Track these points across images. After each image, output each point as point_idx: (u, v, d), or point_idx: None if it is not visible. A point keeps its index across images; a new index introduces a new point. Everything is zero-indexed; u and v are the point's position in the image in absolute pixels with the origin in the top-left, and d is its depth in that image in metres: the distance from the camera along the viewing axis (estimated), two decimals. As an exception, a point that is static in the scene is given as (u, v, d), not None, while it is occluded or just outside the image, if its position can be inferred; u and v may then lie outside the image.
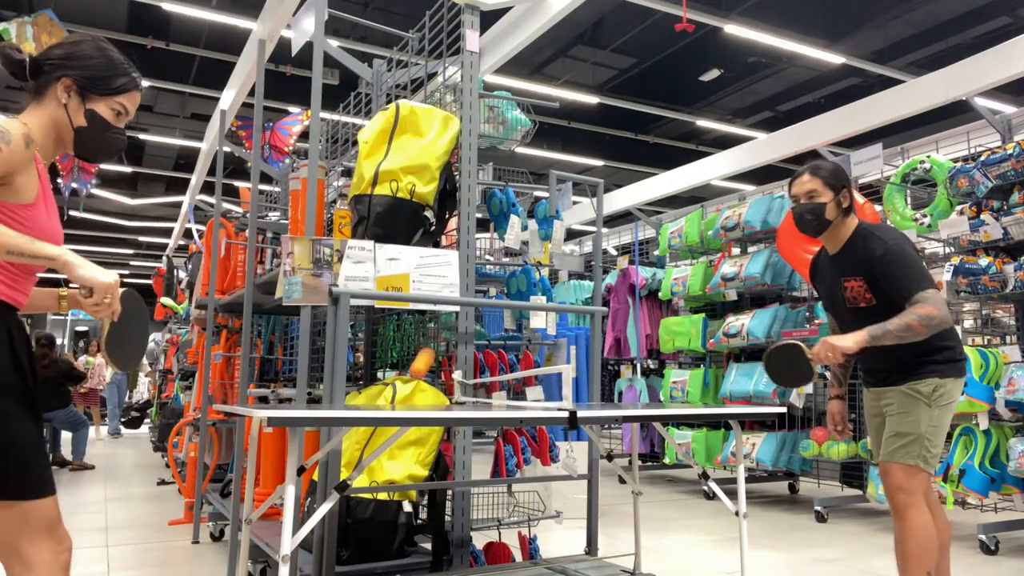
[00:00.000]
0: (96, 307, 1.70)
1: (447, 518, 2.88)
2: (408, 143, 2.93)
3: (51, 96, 1.86)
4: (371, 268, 2.64)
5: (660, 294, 7.05)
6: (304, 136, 5.92)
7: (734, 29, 9.88)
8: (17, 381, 1.75)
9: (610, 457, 2.87)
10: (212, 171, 9.76)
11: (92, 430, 11.29)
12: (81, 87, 1.87)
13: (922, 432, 2.61)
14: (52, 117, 1.86)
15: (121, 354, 1.81)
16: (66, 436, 8.88)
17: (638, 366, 7.32)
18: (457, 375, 2.86)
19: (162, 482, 7.10)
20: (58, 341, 10.51)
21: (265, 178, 6.32)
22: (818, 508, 5.34)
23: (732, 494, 2.48)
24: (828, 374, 3.09)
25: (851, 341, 2.52)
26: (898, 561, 2.66)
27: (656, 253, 7.90)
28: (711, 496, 6.26)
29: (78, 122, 1.87)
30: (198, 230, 8.02)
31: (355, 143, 3.92)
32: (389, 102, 3.19)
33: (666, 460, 7.54)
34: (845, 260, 2.77)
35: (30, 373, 1.79)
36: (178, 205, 15.75)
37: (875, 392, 2.83)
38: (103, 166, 15.94)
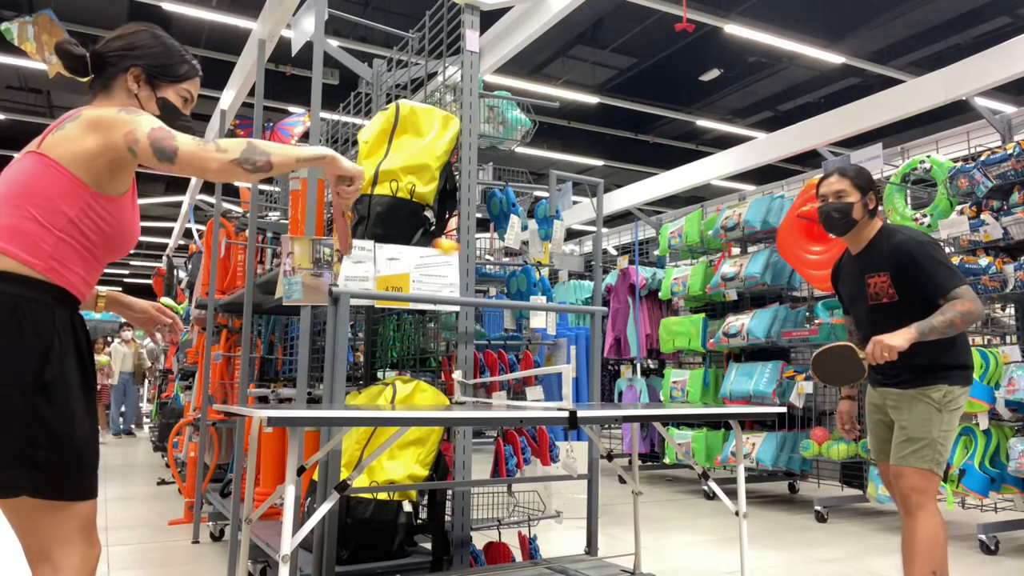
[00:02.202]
0: (355, 193, 1.89)
1: (447, 518, 2.88)
2: (408, 143, 2.93)
3: (119, 87, 1.83)
4: (371, 268, 2.65)
5: (660, 294, 7.05)
6: (305, 136, 5.92)
7: (734, 29, 9.88)
8: (82, 379, 1.72)
9: (610, 457, 2.87)
10: (212, 171, 9.74)
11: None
12: (150, 76, 1.85)
13: (935, 437, 2.66)
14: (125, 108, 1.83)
15: None
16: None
17: (638, 366, 7.32)
18: (457, 375, 2.86)
19: (162, 482, 7.10)
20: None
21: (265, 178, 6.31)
22: (818, 508, 5.34)
23: (732, 494, 2.48)
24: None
25: (902, 339, 2.54)
26: (904, 559, 2.67)
27: (656, 253, 7.90)
28: (711, 496, 6.26)
29: (152, 111, 1.85)
30: (198, 230, 8.02)
31: (355, 143, 3.92)
32: (389, 102, 3.19)
33: (666, 460, 7.54)
34: (869, 258, 2.82)
35: (91, 371, 1.77)
36: (178, 205, 15.75)
37: (881, 391, 2.86)
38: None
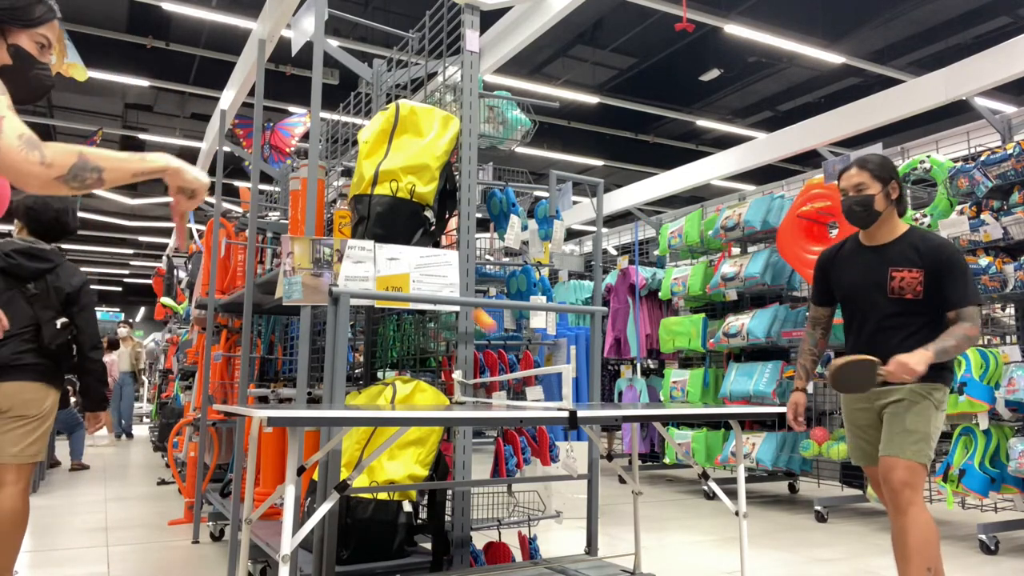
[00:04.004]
0: (194, 205, 1.71)
1: (447, 518, 2.88)
2: (408, 143, 2.93)
3: None
4: (371, 268, 2.64)
5: (660, 294, 7.05)
6: (304, 136, 5.92)
7: (734, 29, 9.88)
8: None
9: (610, 457, 2.87)
10: (212, 171, 9.77)
11: (107, 435, 11.18)
12: (0, 21, 1.71)
13: (930, 432, 2.68)
14: None
15: None
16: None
17: (638, 366, 7.32)
18: (457, 375, 2.86)
19: (162, 482, 7.10)
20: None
21: (265, 178, 6.32)
22: (818, 508, 5.34)
23: (732, 494, 2.48)
24: (796, 367, 3.10)
25: (923, 362, 2.55)
26: (898, 558, 2.66)
27: (656, 253, 7.90)
28: (711, 496, 6.26)
29: (2, 60, 1.72)
30: (198, 230, 8.02)
31: (355, 143, 3.92)
32: (389, 102, 3.19)
33: (666, 460, 7.54)
34: (897, 251, 2.80)
35: None
36: (178, 205, 15.73)
37: (869, 394, 2.82)
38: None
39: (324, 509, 2.01)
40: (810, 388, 5.56)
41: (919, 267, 2.74)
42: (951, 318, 2.70)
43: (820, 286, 3.04)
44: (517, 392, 3.14)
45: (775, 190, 6.79)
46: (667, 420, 2.31)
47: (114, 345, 11.41)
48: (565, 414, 2.07)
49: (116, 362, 11.35)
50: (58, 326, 3.19)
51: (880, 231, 2.84)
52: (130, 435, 12.45)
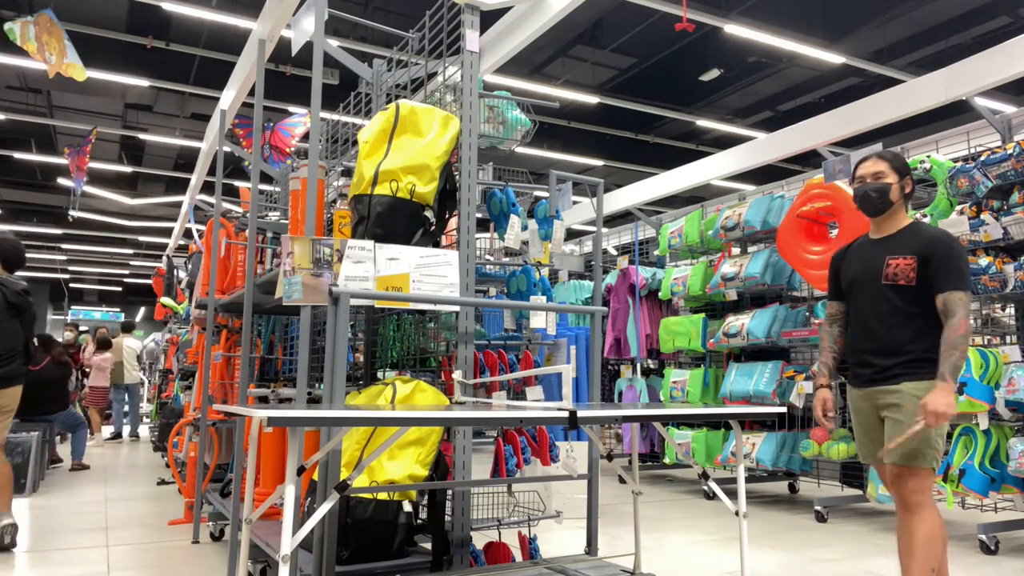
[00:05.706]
0: None
1: (447, 518, 2.88)
2: (408, 143, 2.93)
3: None
4: (371, 268, 2.64)
5: (660, 294, 7.05)
6: (304, 136, 5.92)
7: (734, 29, 9.88)
8: None
9: (610, 457, 2.87)
10: (212, 171, 9.76)
11: (99, 434, 11.00)
12: None
13: (931, 435, 2.68)
14: None
15: None
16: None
17: (638, 366, 7.32)
18: (457, 375, 2.86)
19: (162, 482, 7.10)
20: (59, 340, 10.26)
21: (265, 178, 6.32)
22: (818, 508, 5.34)
23: (732, 494, 2.48)
24: (819, 364, 3.10)
25: (948, 396, 2.57)
26: (902, 556, 2.67)
27: (656, 253, 7.90)
28: (711, 496, 6.26)
29: None
30: (198, 230, 8.02)
31: (355, 143, 3.92)
32: (389, 102, 3.19)
33: (666, 460, 7.54)
34: (897, 241, 2.84)
35: None
36: (178, 205, 15.76)
37: (867, 392, 2.83)
38: (101, 166, 15.94)
39: (324, 509, 2.01)
40: (808, 387, 5.55)
41: (913, 254, 2.77)
42: (938, 305, 2.70)
43: (833, 283, 3.08)
44: (517, 392, 3.14)
45: (775, 190, 6.79)
46: (667, 420, 2.31)
47: (104, 345, 10.96)
48: (565, 414, 2.07)
49: (110, 359, 10.94)
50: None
51: (888, 223, 2.88)
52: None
